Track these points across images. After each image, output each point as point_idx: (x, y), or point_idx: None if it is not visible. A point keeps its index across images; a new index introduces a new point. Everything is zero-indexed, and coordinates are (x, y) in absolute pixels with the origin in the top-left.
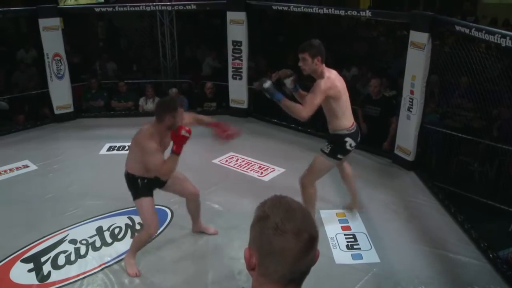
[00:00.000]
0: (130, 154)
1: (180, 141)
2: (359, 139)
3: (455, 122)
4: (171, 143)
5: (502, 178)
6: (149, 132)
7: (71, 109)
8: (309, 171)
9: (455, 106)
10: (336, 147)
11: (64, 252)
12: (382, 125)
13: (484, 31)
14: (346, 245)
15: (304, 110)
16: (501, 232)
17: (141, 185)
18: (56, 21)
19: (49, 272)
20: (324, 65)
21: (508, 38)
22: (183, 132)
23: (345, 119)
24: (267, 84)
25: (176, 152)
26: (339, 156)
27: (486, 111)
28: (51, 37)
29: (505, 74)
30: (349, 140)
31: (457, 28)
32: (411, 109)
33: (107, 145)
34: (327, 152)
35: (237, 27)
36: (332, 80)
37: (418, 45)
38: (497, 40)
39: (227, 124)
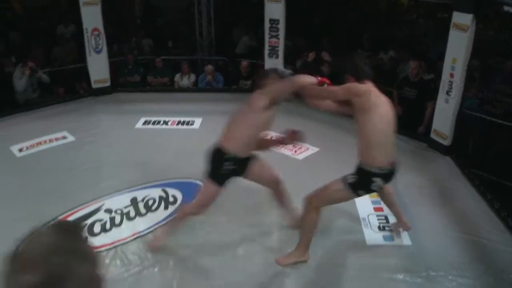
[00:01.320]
0: (234, 128)
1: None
2: (393, 178)
3: (496, 109)
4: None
5: None
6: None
7: (108, 84)
8: (321, 191)
9: (496, 91)
10: (360, 183)
11: (100, 220)
12: (418, 108)
13: None
14: (378, 226)
15: (310, 94)
16: None
17: (224, 171)
18: None
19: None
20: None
21: None
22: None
23: (379, 153)
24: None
25: (321, 82)
26: (360, 192)
27: None
28: (90, 12)
29: None
30: (377, 181)
31: (506, 8)
32: (450, 93)
33: (142, 119)
34: (349, 182)
35: (274, 5)
36: (368, 88)
37: (461, 26)
38: None
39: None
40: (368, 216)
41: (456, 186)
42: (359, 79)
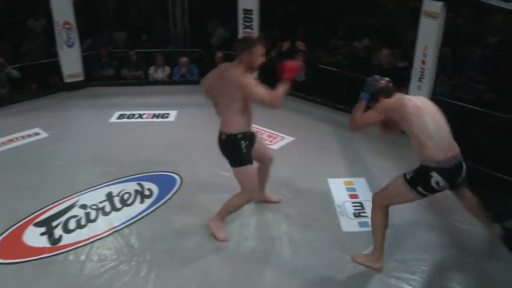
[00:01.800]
0: (225, 110)
1: (292, 69)
2: (459, 178)
3: (467, 95)
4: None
5: None
6: (238, 71)
7: (81, 78)
8: (385, 189)
9: (467, 78)
10: (418, 178)
11: (75, 216)
12: None
13: None
14: (353, 213)
15: (353, 122)
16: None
17: (245, 148)
18: None
19: (60, 236)
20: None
21: None
22: (297, 62)
23: (432, 147)
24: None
25: (288, 78)
26: (419, 189)
27: (498, 84)
28: (61, 5)
29: None
30: (435, 176)
31: None
32: (422, 79)
33: (117, 113)
34: (407, 178)
35: None
36: (398, 98)
37: (431, 14)
38: None
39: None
40: (343, 203)
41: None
42: (389, 95)
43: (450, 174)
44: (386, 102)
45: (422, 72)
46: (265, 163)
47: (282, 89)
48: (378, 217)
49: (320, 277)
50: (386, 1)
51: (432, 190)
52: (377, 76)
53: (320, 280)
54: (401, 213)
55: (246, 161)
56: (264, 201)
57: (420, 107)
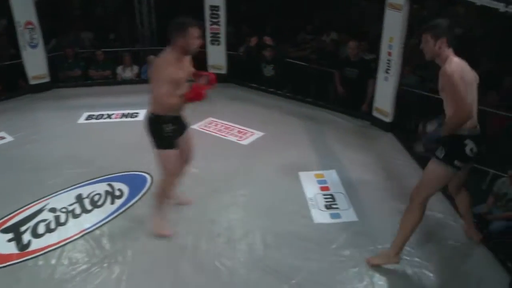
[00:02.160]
0: (154, 90)
1: (195, 96)
2: (483, 146)
3: (436, 85)
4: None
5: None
6: (169, 58)
7: (47, 79)
8: (420, 183)
9: (434, 69)
10: (453, 151)
11: (44, 220)
12: (360, 87)
13: None
14: (324, 205)
15: (459, 112)
16: (476, 190)
17: (167, 133)
18: None
19: (29, 241)
20: (450, 49)
21: None
22: (206, 92)
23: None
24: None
25: (187, 98)
26: (456, 163)
27: None
28: (22, 4)
29: (486, 36)
30: (469, 144)
31: None
32: (388, 71)
33: (85, 114)
34: (440, 157)
35: None
36: (459, 64)
37: (395, 6)
38: None
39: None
40: (315, 195)
41: (399, 161)
42: (450, 45)
43: (480, 139)
44: (450, 67)
45: (388, 63)
46: (185, 157)
47: (180, 99)
48: (414, 216)
49: (294, 270)
50: None
51: (468, 159)
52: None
53: (295, 274)
54: (371, 203)
55: (167, 145)
56: (178, 203)
57: (468, 76)
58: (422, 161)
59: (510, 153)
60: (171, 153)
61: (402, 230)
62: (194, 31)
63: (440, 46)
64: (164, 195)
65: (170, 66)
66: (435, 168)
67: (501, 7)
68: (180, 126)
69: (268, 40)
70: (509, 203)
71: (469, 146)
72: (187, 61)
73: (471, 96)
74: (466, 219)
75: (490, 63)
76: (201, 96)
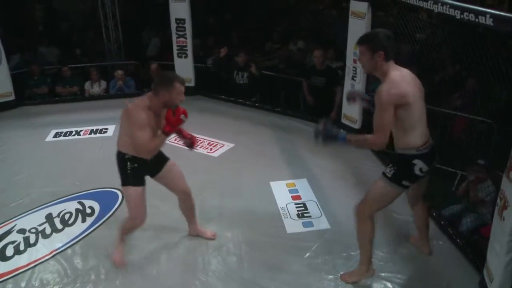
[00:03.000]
0: (121, 129)
1: (174, 123)
2: (435, 162)
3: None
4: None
5: (445, 141)
6: (143, 103)
7: (12, 97)
8: (366, 196)
9: None
10: (401, 171)
11: (12, 242)
12: (327, 95)
13: None
14: (297, 214)
15: (377, 139)
16: (446, 192)
17: (130, 170)
18: None
19: None
20: (390, 62)
21: (439, 4)
22: (182, 116)
23: (414, 134)
24: (323, 127)
25: (167, 132)
26: (404, 183)
27: (428, 78)
28: None
29: (446, 41)
30: (418, 163)
31: None
32: (355, 78)
33: (53, 132)
34: (389, 176)
35: (179, 5)
36: (398, 83)
37: (358, 14)
38: (430, 6)
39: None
40: (286, 205)
41: (369, 167)
42: (388, 58)
43: (431, 158)
44: (388, 92)
45: (354, 70)
46: (178, 194)
47: (159, 141)
48: (366, 228)
49: (269, 280)
50: (319, 3)
51: (417, 179)
52: (317, 134)
53: (270, 284)
54: (343, 210)
55: (129, 182)
56: (196, 235)
57: (412, 91)
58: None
59: (474, 154)
60: (131, 190)
61: (361, 246)
62: (180, 87)
63: (377, 59)
64: (126, 232)
65: (142, 112)
66: (383, 186)
67: (457, 14)
68: (149, 164)
69: (242, 57)
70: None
71: (418, 166)
72: (164, 112)
73: (417, 111)
74: (421, 232)
75: (454, 67)
76: (179, 121)
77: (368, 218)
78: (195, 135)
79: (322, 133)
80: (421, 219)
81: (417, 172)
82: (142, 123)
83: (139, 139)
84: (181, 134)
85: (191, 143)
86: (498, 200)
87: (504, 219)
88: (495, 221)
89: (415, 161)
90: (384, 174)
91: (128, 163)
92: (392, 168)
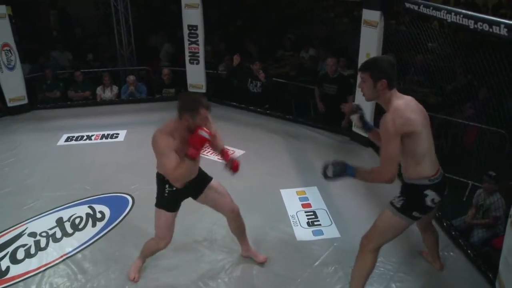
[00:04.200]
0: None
1: (196, 143)
2: (446, 191)
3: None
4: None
5: (456, 150)
6: (169, 128)
7: (26, 101)
8: (373, 228)
9: (411, 82)
10: (411, 202)
11: (24, 245)
12: (339, 103)
13: (431, 8)
14: (307, 222)
15: (383, 173)
16: (456, 202)
17: (168, 194)
18: (3, 9)
19: (8, 268)
20: (394, 90)
21: (453, 13)
22: (200, 132)
23: (426, 163)
24: (331, 170)
25: (191, 156)
26: (415, 214)
27: (440, 87)
28: None
29: (458, 51)
30: (430, 194)
31: (407, 5)
32: None
33: (65, 136)
34: (398, 206)
35: (192, 11)
36: (402, 112)
37: (371, 23)
38: (443, 16)
39: (235, 158)
40: (296, 213)
41: None
42: (392, 86)
43: (442, 188)
44: (393, 121)
45: None
46: (225, 214)
47: (185, 167)
48: (366, 262)
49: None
50: (331, 11)
51: (428, 210)
52: (327, 171)
53: None
54: (352, 219)
55: (162, 205)
56: (247, 256)
57: (418, 119)
58: (400, 176)
59: (485, 165)
60: (162, 213)
61: (354, 278)
62: (204, 112)
63: (380, 88)
64: (149, 254)
65: (166, 137)
66: (391, 217)
67: (471, 24)
68: (189, 186)
69: (257, 65)
70: (485, 214)
71: (430, 197)
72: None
73: (426, 139)
74: (432, 250)
75: (466, 76)
76: (201, 139)
77: (371, 252)
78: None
79: (330, 176)
80: (430, 241)
81: (428, 203)
82: (165, 149)
83: (165, 167)
84: (223, 156)
85: (231, 167)
86: (511, 212)
87: None
88: (508, 233)
89: (427, 192)
90: (392, 204)
91: (167, 186)
92: (401, 198)
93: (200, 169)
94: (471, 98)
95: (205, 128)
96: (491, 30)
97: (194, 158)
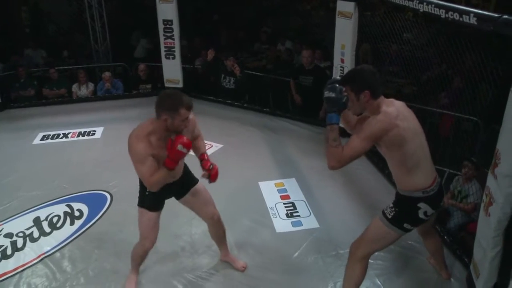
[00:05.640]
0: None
1: (174, 156)
2: (442, 203)
3: (388, 89)
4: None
5: (432, 139)
6: (145, 129)
7: None
8: (363, 236)
9: (387, 73)
10: (403, 214)
11: (0, 247)
12: (316, 95)
13: None
14: (286, 214)
15: (334, 160)
16: None
17: (149, 193)
18: None
19: None
20: (380, 98)
21: (425, 3)
22: (179, 147)
23: (421, 173)
24: (333, 92)
25: (168, 167)
26: (406, 226)
27: (416, 77)
28: None
29: (432, 41)
30: (423, 207)
31: None
32: None
33: (40, 134)
34: (389, 217)
35: (166, 6)
36: (390, 117)
37: (345, 14)
38: (415, 6)
39: (214, 166)
40: (275, 205)
41: (356, 165)
42: (376, 95)
43: (438, 199)
44: (377, 124)
45: (342, 70)
46: (205, 220)
47: (161, 174)
48: (355, 271)
49: (258, 280)
50: (307, 4)
51: (421, 222)
52: (333, 85)
53: (259, 284)
54: (331, 209)
55: (144, 205)
56: (225, 261)
57: (408, 126)
58: (379, 163)
59: (461, 152)
60: (144, 212)
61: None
62: (185, 113)
63: (364, 100)
64: (138, 260)
65: (141, 142)
66: (381, 226)
67: (442, 13)
68: (173, 186)
69: (231, 61)
70: (463, 200)
71: (423, 210)
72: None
73: (418, 147)
74: (436, 256)
75: (440, 66)
76: (178, 153)
77: (361, 260)
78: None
79: (334, 96)
80: (432, 247)
81: (421, 216)
82: (140, 155)
83: (140, 174)
84: (201, 163)
85: (208, 176)
86: (484, 197)
87: (489, 215)
88: (481, 217)
89: (420, 205)
90: (384, 213)
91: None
92: (393, 209)
93: (186, 168)
94: (446, 87)
95: (184, 138)
96: (461, 19)
97: (171, 169)
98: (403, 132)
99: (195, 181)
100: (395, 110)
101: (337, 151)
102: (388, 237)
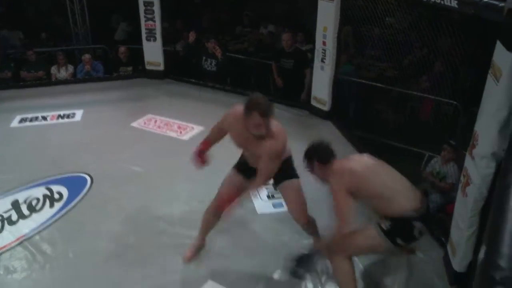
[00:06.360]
0: None
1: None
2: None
3: (370, 73)
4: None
5: (412, 122)
6: (236, 114)
7: None
8: (350, 238)
9: (369, 57)
10: (399, 229)
11: None
12: (297, 77)
13: None
14: (267, 195)
15: (341, 226)
16: (413, 172)
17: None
18: None
19: None
20: (331, 161)
21: None
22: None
23: (403, 197)
24: (301, 271)
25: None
26: (398, 241)
27: (397, 61)
28: None
29: (414, 25)
30: (418, 225)
31: None
32: (324, 60)
33: (18, 117)
34: (384, 229)
35: None
36: (343, 169)
37: None
38: None
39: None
40: None
41: (337, 147)
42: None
43: (428, 219)
44: (335, 180)
45: (323, 53)
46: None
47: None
48: (346, 269)
49: (240, 261)
50: None
51: (412, 240)
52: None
53: (241, 265)
54: (313, 191)
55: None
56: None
57: (361, 168)
58: (360, 146)
59: (441, 136)
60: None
61: (343, 286)
62: (257, 118)
63: (318, 169)
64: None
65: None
66: (374, 236)
67: None
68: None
69: (212, 43)
70: (442, 180)
71: (418, 228)
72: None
73: (375, 180)
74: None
75: (422, 50)
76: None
77: (346, 259)
78: (166, 119)
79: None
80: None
81: (415, 233)
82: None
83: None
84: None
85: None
86: (462, 177)
87: (466, 195)
88: (458, 198)
89: (415, 223)
90: (379, 225)
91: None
92: (390, 223)
93: (288, 162)
94: (427, 71)
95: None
96: (442, 2)
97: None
98: (358, 177)
99: (289, 176)
100: (347, 166)
101: (336, 227)
102: (378, 248)
